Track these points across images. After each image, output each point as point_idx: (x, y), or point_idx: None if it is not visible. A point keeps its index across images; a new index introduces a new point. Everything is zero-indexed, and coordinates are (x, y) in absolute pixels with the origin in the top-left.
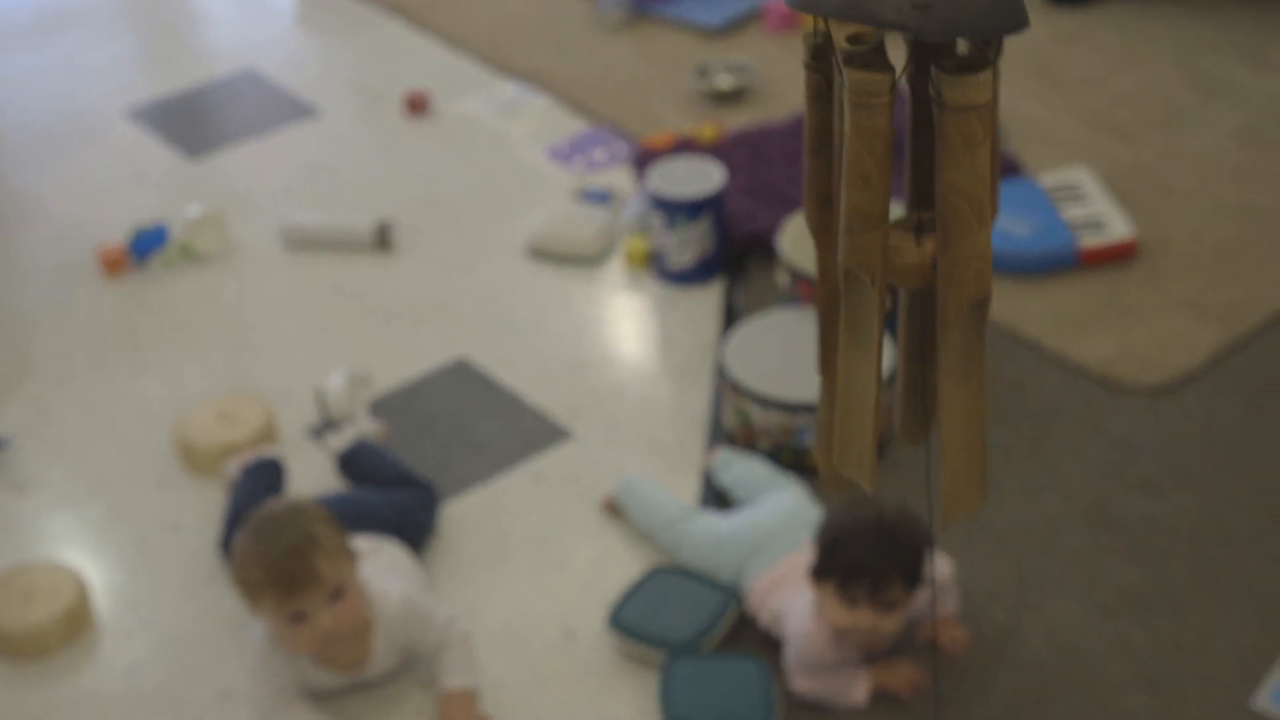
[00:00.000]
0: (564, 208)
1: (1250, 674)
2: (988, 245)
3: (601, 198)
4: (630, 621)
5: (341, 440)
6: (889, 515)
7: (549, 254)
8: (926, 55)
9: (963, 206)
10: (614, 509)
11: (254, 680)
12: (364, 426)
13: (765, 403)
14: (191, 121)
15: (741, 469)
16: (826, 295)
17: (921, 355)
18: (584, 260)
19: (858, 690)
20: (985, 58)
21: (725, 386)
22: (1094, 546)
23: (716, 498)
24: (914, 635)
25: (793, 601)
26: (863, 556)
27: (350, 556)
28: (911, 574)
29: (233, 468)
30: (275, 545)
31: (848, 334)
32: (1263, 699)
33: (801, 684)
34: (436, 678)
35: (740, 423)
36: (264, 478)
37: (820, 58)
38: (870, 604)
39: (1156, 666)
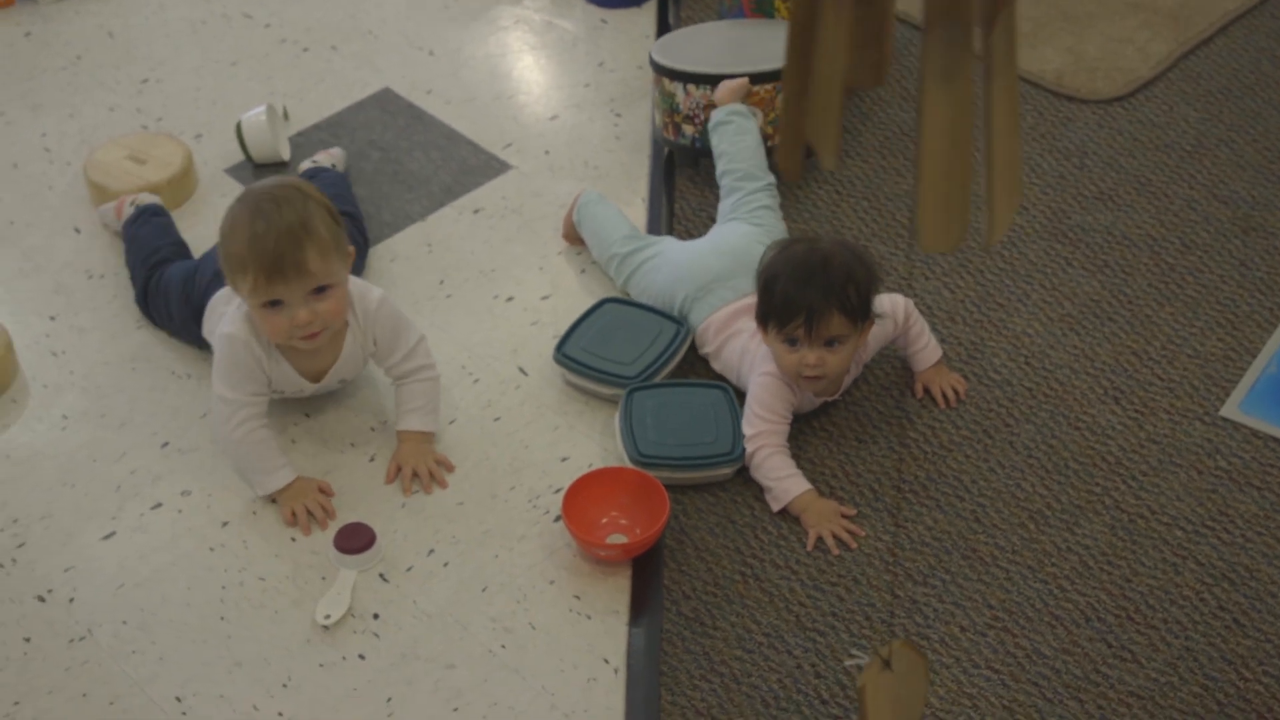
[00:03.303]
0: None
1: (1218, 383)
2: None
3: None
4: (576, 354)
5: (310, 161)
6: (821, 248)
7: None
8: None
9: None
10: (574, 237)
11: (216, 375)
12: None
13: (686, 78)
14: None
15: (736, 138)
16: None
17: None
18: None
19: (784, 498)
20: None
21: (653, 80)
22: (1054, 259)
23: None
24: (912, 387)
25: (751, 350)
26: (793, 295)
27: (344, 254)
28: (850, 307)
29: (109, 216)
30: (270, 225)
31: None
32: (1231, 408)
33: (751, 429)
34: (398, 414)
35: (667, 110)
36: (158, 222)
37: None
38: (810, 342)
39: (1123, 378)
